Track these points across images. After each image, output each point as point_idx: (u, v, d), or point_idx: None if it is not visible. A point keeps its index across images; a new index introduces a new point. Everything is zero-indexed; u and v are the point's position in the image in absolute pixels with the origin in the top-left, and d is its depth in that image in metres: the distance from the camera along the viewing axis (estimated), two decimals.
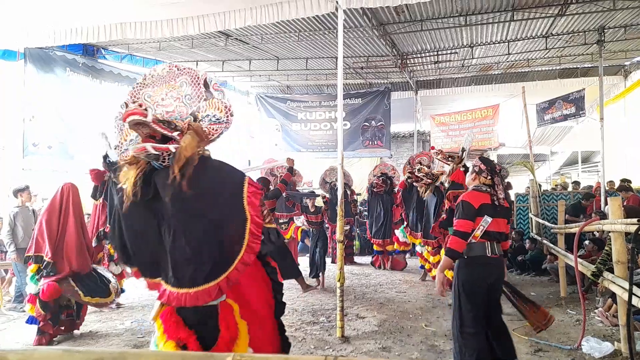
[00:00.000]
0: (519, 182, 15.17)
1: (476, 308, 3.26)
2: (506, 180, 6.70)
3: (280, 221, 8.83)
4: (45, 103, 8.85)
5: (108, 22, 6.98)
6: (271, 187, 7.35)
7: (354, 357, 3.98)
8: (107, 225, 5.78)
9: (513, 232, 8.67)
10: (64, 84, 9.18)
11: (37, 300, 4.45)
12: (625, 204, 7.75)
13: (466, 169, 5.42)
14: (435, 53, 10.57)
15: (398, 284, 7.66)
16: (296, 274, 5.74)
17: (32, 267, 4.62)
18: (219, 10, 6.53)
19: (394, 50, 10.16)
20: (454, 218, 3.41)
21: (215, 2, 6.43)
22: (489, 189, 3.38)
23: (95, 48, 9.79)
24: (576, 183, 12.42)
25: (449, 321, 5.20)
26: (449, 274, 4.92)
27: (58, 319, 4.69)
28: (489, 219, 3.24)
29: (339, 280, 4.81)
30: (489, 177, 3.41)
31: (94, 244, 5.70)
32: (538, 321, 3.72)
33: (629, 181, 9.39)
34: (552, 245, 6.89)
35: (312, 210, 7.93)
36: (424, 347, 4.40)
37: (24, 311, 5.90)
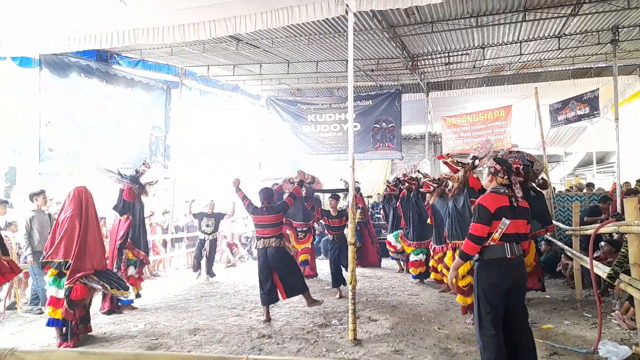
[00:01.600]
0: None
1: (495, 310, 3.25)
2: (541, 177, 6.40)
3: (298, 230, 8.47)
4: (60, 109, 9.02)
5: (121, 28, 7.09)
6: (284, 195, 7.29)
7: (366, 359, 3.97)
8: (128, 239, 6.17)
9: None
10: (79, 89, 9.34)
11: (66, 300, 4.62)
12: None
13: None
14: (446, 54, 10.52)
15: (410, 287, 7.62)
16: (302, 290, 5.70)
17: (52, 271, 4.72)
18: (230, 14, 6.59)
19: (404, 52, 10.14)
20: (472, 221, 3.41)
21: (226, 7, 6.48)
22: (507, 190, 3.34)
23: (108, 54, 9.94)
24: (590, 185, 12.24)
25: (462, 324, 5.18)
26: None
27: (89, 317, 5.06)
28: (507, 222, 3.21)
29: (350, 283, 4.81)
30: (506, 177, 3.37)
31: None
32: None
33: None
34: (567, 247, 6.80)
35: (333, 214, 7.24)
36: (437, 351, 4.37)
37: (40, 313, 6.01)
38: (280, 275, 5.67)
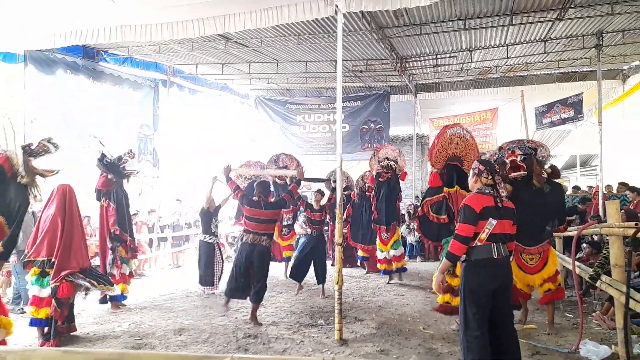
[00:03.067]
0: None
1: (481, 311, 3.24)
2: (549, 163, 5.19)
3: (283, 224, 8.32)
4: (46, 105, 8.87)
5: (108, 24, 7.01)
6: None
7: (352, 359, 3.99)
8: (117, 227, 5.90)
9: None
10: (65, 86, 9.21)
11: (54, 299, 4.55)
12: (631, 207, 7.79)
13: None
14: (435, 56, 10.61)
15: (396, 287, 7.66)
16: (257, 300, 5.45)
17: (34, 270, 4.65)
18: (219, 13, 6.55)
19: (393, 53, 10.20)
20: (457, 222, 3.38)
21: (215, 6, 6.45)
22: (492, 191, 3.34)
23: (95, 50, 9.81)
24: (576, 188, 12.43)
25: (447, 324, 5.22)
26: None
27: (73, 316, 5.01)
28: (494, 222, 3.22)
29: (337, 283, 4.82)
30: (490, 177, 3.36)
31: (109, 245, 6.01)
32: None
33: (627, 185, 9.40)
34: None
35: (316, 207, 7.18)
36: (422, 350, 4.40)
37: (22, 312, 5.92)
38: (253, 277, 5.44)
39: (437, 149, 5.05)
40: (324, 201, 7.48)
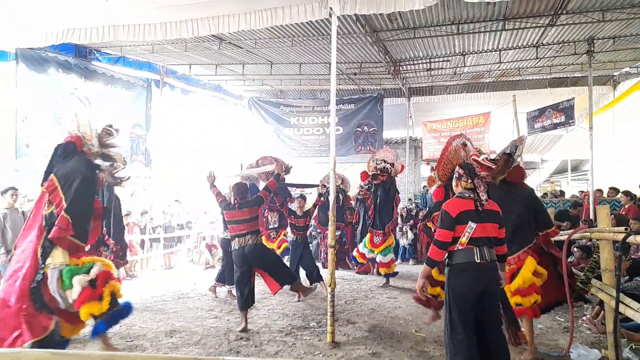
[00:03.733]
0: None
1: (465, 315, 3.21)
2: (517, 162, 4.57)
3: (270, 226, 8.35)
4: (37, 104, 8.79)
5: (101, 23, 6.97)
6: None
7: None
8: (104, 229, 5.76)
9: None
10: (57, 85, 9.12)
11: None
12: (622, 212, 7.86)
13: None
14: (428, 60, 10.66)
15: (389, 290, 7.67)
16: (292, 279, 5.53)
17: None
18: (213, 14, 6.54)
19: (387, 56, 10.23)
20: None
21: (209, 6, 6.44)
22: (472, 194, 3.31)
23: (87, 50, 9.74)
24: (562, 193, 12.54)
25: (439, 327, 5.23)
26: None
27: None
28: (474, 225, 3.20)
29: (330, 285, 4.82)
30: (470, 181, 3.34)
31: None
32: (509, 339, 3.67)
33: (618, 190, 9.51)
34: None
35: (299, 214, 7.22)
36: (414, 353, 4.41)
37: None
38: (267, 269, 5.41)
39: (444, 162, 4.94)
40: (308, 207, 7.46)
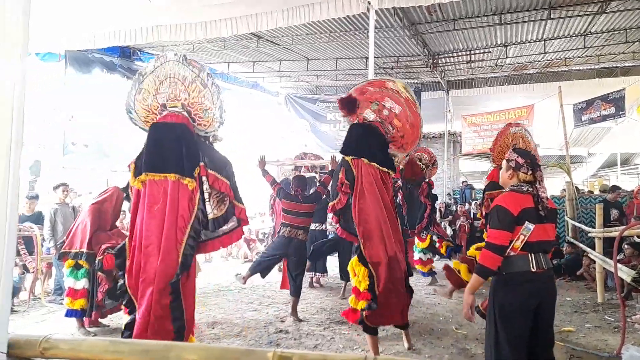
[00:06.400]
0: (553, 184, 14.72)
1: (515, 336, 2.63)
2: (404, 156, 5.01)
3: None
4: (83, 103, 9.22)
5: (145, 25, 7.20)
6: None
7: (394, 357, 3.95)
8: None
9: None
10: (101, 85, 9.53)
11: (101, 273, 4.71)
12: None
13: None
14: (468, 52, 10.42)
15: (427, 286, 7.57)
16: (295, 293, 5.49)
17: (69, 263, 4.82)
18: (251, 12, 6.64)
19: (425, 50, 10.07)
20: (487, 227, 2.88)
21: (247, 4, 6.53)
22: (530, 189, 2.72)
23: (131, 50, 10.10)
24: (614, 188, 11.91)
25: (480, 325, 5.11)
26: None
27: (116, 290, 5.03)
28: (531, 226, 2.60)
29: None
30: (530, 173, 2.74)
31: None
32: None
33: None
34: (589, 249, 6.68)
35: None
36: (454, 351, 4.34)
37: (62, 303, 6.16)
38: (291, 269, 5.49)
39: (500, 145, 4.91)
40: None
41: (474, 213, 10.84)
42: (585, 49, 9.85)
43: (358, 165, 4.07)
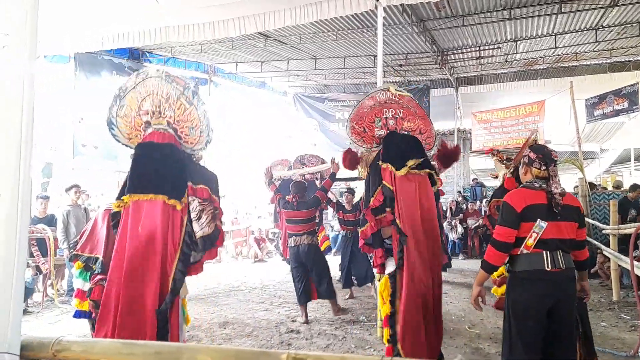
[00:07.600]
0: (565, 181, 14.52)
1: (529, 335, 2.57)
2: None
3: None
4: (92, 105, 9.28)
5: (153, 26, 7.22)
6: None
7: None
8: None
9: None
10: (110, 86, 9.57)
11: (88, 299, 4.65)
12: None
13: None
14: (477, 48, 10.32)
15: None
16: (330, 296, 5.52)
17: (78, 264, 4.82)
18: (259, 11, 6.63)
19: (434, 46, 9.99)
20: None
21: (255, 4, 6.53)
22: (544, 185, 2.64)
23: (140, 52, 10.16)
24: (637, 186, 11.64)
25: (493, 324, 5.07)
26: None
27: None
28: (544, 224, 2.53)
29: (379, 280, 4.77)
30: (543, 168, 2.67)
31: None
32: None
33: None
34: (604, 247, 6.58)
35: (348, 208, 6.99)
36: (467, 350, 4.30)
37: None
38: (312, 275, 5.49)
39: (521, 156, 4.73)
40: (356, 200, 7.28)
41: (484, 211, 10.75)
42: (597, 43, 9.70)
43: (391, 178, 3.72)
